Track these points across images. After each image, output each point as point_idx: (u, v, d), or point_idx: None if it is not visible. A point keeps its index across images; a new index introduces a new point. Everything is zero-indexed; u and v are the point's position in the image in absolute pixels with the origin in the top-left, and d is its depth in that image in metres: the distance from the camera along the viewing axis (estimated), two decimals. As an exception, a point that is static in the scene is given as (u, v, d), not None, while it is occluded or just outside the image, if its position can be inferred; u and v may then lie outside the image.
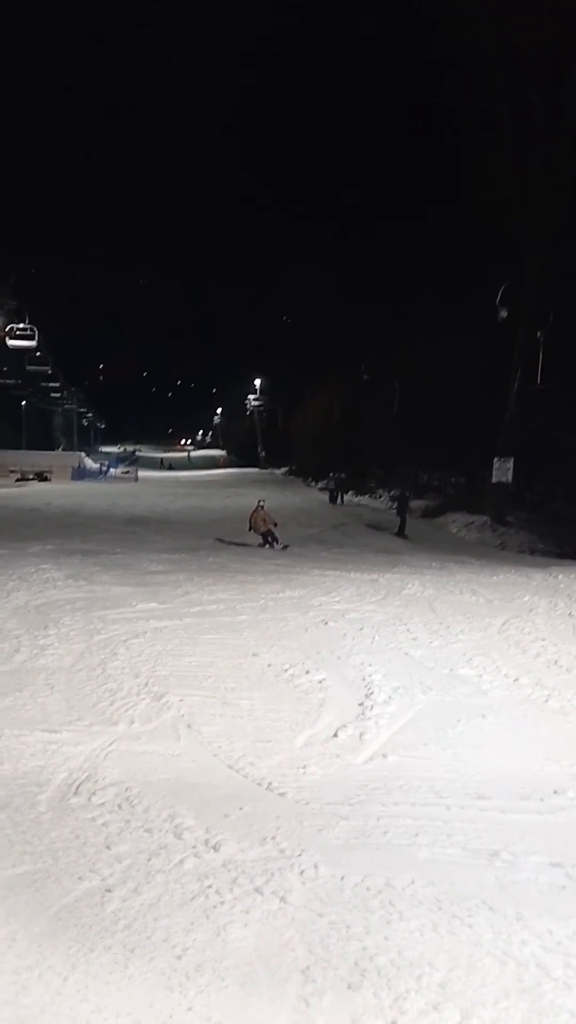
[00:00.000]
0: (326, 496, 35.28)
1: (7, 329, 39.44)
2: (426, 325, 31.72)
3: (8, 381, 56.41)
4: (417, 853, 4.21)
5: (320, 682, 7.22)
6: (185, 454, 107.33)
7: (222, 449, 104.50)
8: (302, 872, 3.96)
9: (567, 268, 22.73)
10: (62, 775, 5.09)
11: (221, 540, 19.17)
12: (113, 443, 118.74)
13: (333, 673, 7.51)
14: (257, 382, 72.40)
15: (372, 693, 6.92)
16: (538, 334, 23.86)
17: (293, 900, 3.71)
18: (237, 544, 18.16)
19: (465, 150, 26.08)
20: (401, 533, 21.91)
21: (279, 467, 61.30)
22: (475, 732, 6.10)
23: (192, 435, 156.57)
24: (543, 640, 9.03)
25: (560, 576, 13.62)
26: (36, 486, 41.76)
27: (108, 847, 4.19)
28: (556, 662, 8.18)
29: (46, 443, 70.29)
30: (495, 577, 13.67)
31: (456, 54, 24.41)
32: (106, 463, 62.82)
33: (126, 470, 58.31)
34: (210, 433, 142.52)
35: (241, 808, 4.69)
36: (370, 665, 7.79)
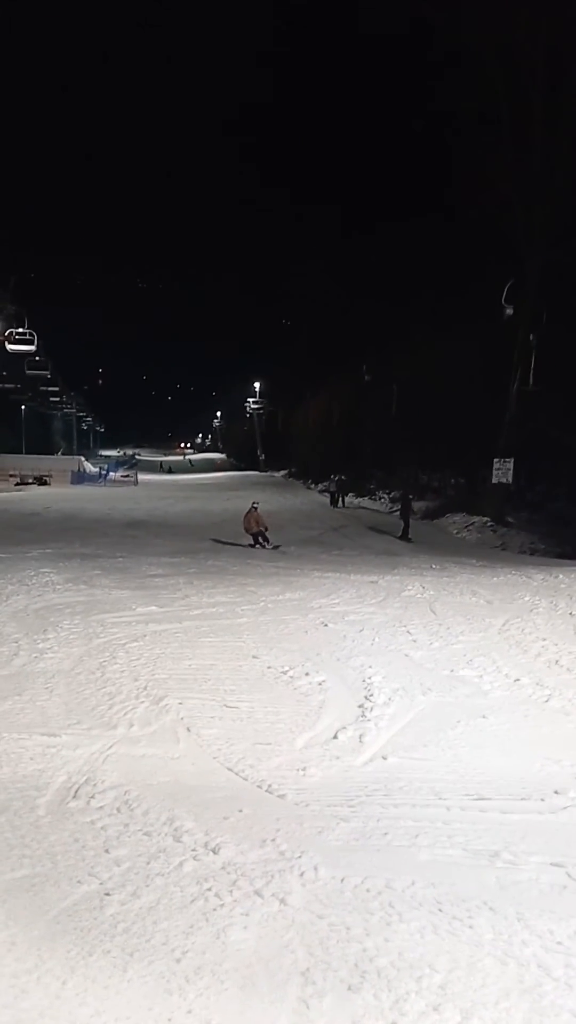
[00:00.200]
0: (326, 498, 35.25)
1: (6, 333, 39.43)
2: (426, 326, 31.75)
3: (8, 385, 56.42)
4: (417, 854, 4.20)
5: (320, 684, 7.21)
6: (185, 457, 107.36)
7: (222, 452, 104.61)
8: (302, 874, 3.95)
9: (567, 269, 22.75)
10: (61, 779, 5.08)
11: (217, 541, 19.18)
12: (113, 447, 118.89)
13: (333, 675, 7.49)
14: (256, 385, 72.46)
15: (372, 695, 6.91)
16: (531, 337, 23.91)
17: (293, 902, 3.70)
18: (230, 543, 18.21)
19: (465, 150, 26.11)
20: (405, 536, 21.72)
21: (279, 470, 61.32)
22: (475, 733, 6.08)
23: (192, 438, 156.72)
24: (544, 640, 9.02)
25: (561, 576, 13.60)
26: (36, 490, 41.76)
27: (107, 850, 4.17)
28: (557, 662, 8.16)
29: (46, 447, 70.35)
30: (495, 578, 13.65)
31: (456, 54, 24.47)
32: (106, 467, 62.84)
33: (126, 474, 58.33)
34: (210, 436, 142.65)
35: (241, 810, 4.67)
36: (370, 667, 7.77)
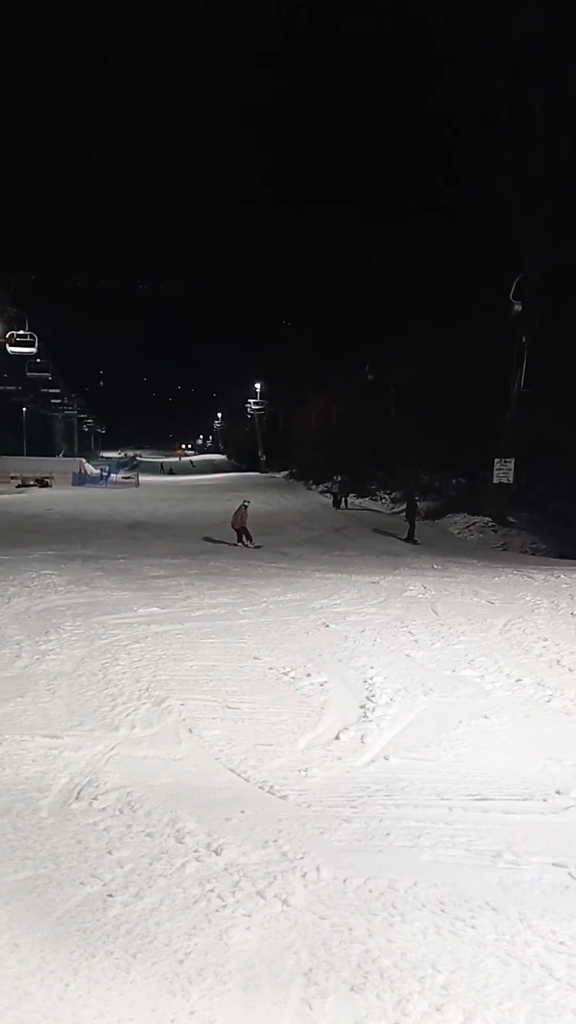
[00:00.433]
0: (327, 499, 35.19)
1: (7, 336, 39.49)
2: (427, 326, 31.75)
3: (9, 387, 56.50)
4: (420, 855, 4.20)
5: (321, 685, 7.21)
6: (185, 458, 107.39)
7: (223, 453, 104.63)
8: (304, 875, 3.95)
9: (568, 269, 22.75)
10: (63, 780, 5.09)
11: (218, 542, 19.20)
12: (114, 448, 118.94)
13: (334, 676, 7.50)
14: (257, 386, 72.47)
15: (374, 695, 6.91)
16: (523, 339, 23.92)
17: (295, 903, 3.70)
18: (231, 544, 18.26)
19: (465, 150, 26.12)
20: (411, 539, 21.48)
21: (280, 471, 61.31)
22: (477, 733, 6.08)
23: (193, 440, 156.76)
24: (545, 640, 9.02)
25: (562, 576, 13.60)
26: (37, 492, 41.76)
27: (110, 852, 4.18)
28: (558, 662, 8.16)
29: (47, 449, 70.36)
30: (497, 578, 13.66)
31: (456, 54, 24.45)
32: (107, 468, 62.86)
33: (127, 475, 58.31)
34: (211, 438, 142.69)
35: (243, 811, 4.67)
36: (371, 667, 7.77)
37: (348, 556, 17.66)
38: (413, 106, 30.92)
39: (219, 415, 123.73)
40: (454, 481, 32.85)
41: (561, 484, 26.74)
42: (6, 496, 37.40)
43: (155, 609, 10.23)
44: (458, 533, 24.90)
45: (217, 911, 3.63)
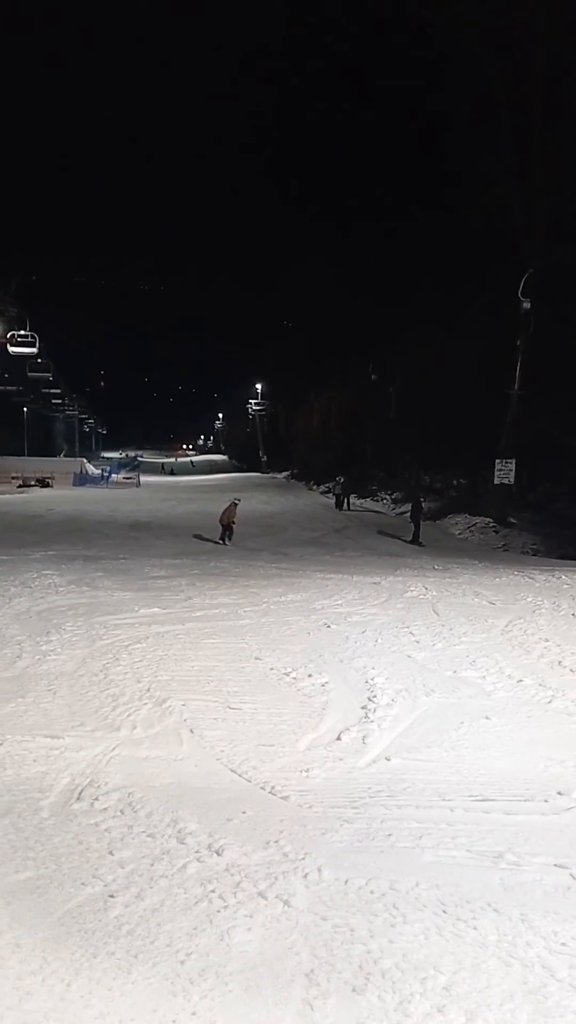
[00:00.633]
0: (328, 499, 35.13)
1: (8, 336, 39.51)
2: (427, 326, 31.71)
3: (10, 388, 56.53)
4: (421, 856, 4.20)
5: (323, 685, 7.21)
6: (186, 459, 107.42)
7: (224, 454, 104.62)
8: (306, 876, 3.95)
9: (568, 269, 22.73)
10: (65, 781, 5.09)
11: (220, 542, 19.21)
12: (115, 449, 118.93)
13: (336, 676, 7.50)
14: (258, 386, 72.44)
15: (375, 696, 6.91)
16: (517, 342, 23.92)
17: (297, 904, 3.70)
18: (232, 545, 18.31)
19: (465, 151, 26.13)
20: (416, 540, 21.36)
21: (281, 471, 61.29)
22: (479, 734, 6.08)
23: (194, 440, 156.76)
24: (546, 641, 9.02)
25: (563, 577, 13.60)
26: (38, 492, 41.73)
27: (111, 852, 4.18)
28: (560, 663, 8.16)
29: (48, 449, 70.44)
30: (498, 579, 13.66)
31: (455, 55, 24.47)
32: (108, 469, 62.83)
33: (128, 476, 58.27)
34: (211, 438, 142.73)
35: (244, 812, 4.67)
36: (373, 668, 7.77)
37: (349, 557, 17.65)
38: (413, 106, 30.91)
39: (220, 415, 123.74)
40: (455, 482, 32.85)
41: (563, 485, 26.75)
42: (7, 496, 37.40)
43: (156, 609, 10.23)
44: (459, 534, 24.89)
45: (218, 912, 3.63)
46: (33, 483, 45.25)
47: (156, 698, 6.74)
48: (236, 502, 20.01)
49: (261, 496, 36.78)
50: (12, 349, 39.40)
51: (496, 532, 24.01)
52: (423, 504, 23.44)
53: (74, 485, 47.40)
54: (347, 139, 41.72)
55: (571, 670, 7.92)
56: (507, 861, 4.12)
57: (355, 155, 41.26)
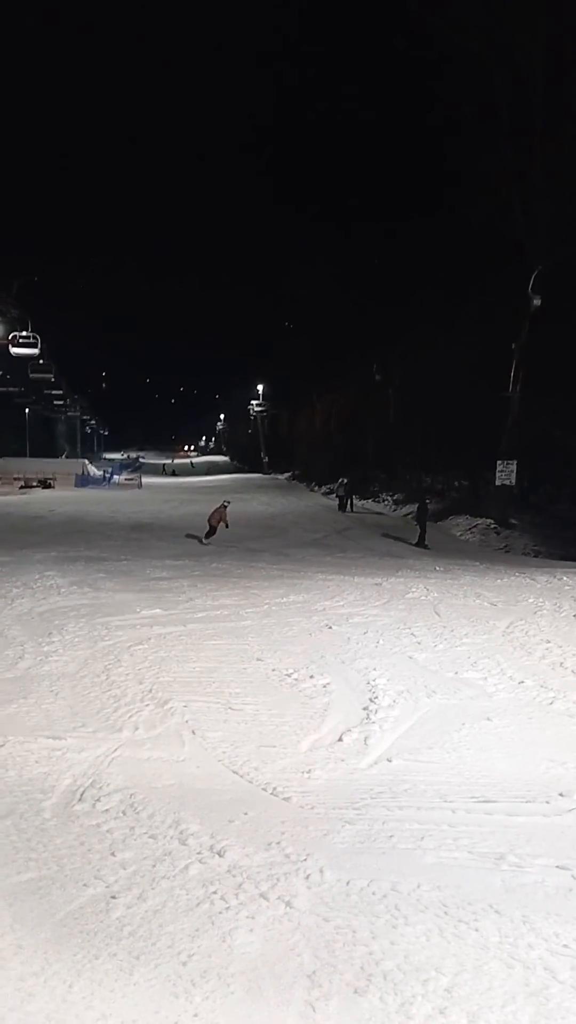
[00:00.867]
0: (331, 501, 35.09)
1: (10, 337, 39.49)
2: (429, 327, 31.70)
3: (11, 389, 56.57)
4: (423, 857, 4.20)
5: (324, 687, 7.21)
6: (188, 460, 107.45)
7: (225, 455, 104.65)
8: (307, 877, 3.95)
9: (568, 270, 22.72)
10: (66, 782, 5.09)
11: (220, 543, 19.21)
12: (116, 450, 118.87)
13: (337, 677, 7.50)
14: (260, 387, 72.45)
15: (376, 697, 6.91)
16: (512, 345, 23.91)
17: (299, 905, 3.70)
18: (233, 546, 18.29)
19: (465, 151, 26.11)
20: (421, 543, 21.25)
21: (282, 472, 61.29)
22: (480, 735, 6.08)
23: (195, 441, 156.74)
24: (548, 642, 9.01)
25: (565, 578, 13.59)
26: (40, 493, 41.75)
27: (113, 853, 4.18)
28: (561, 664, 8.16)
29: (50, 450, 70.42)
30: (499, 580, 13.65)
31: (456, 55, 24.45)
32: (110, 470, 62.81)
33: (130, 477, 58.24)
34: (213, 439, 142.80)
35: (246, 813, 4.68)
36: (374, 669, 7.78)
37: (351, 558, 17.64)
38: (413, 106, 30.90)
39: (222, 416, 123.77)
40: (456, 483, 32.80)
41: (564, 486, 26.72)
42: (9, 497, 37.43)
43: (158, 611, 10.24)
44: (460, 535, 24.87)
45: (220, 913, 3.64)
46: (35, 484, 45.27)
47: (158, 699, 6.74)
48: (226, 504, 20.21)
49: (262, 497, 36.80)
50: (14, 350, 39.39)
51: (497, 533, 23.98)
52: (428, 506, 23.38)
53: (76, 486, 47.39)
54: (347, 139, 41.65)
55: (572, 671, 7.92)
56: (509, 863, 4.12)
57: (355, 155, 41.20)
